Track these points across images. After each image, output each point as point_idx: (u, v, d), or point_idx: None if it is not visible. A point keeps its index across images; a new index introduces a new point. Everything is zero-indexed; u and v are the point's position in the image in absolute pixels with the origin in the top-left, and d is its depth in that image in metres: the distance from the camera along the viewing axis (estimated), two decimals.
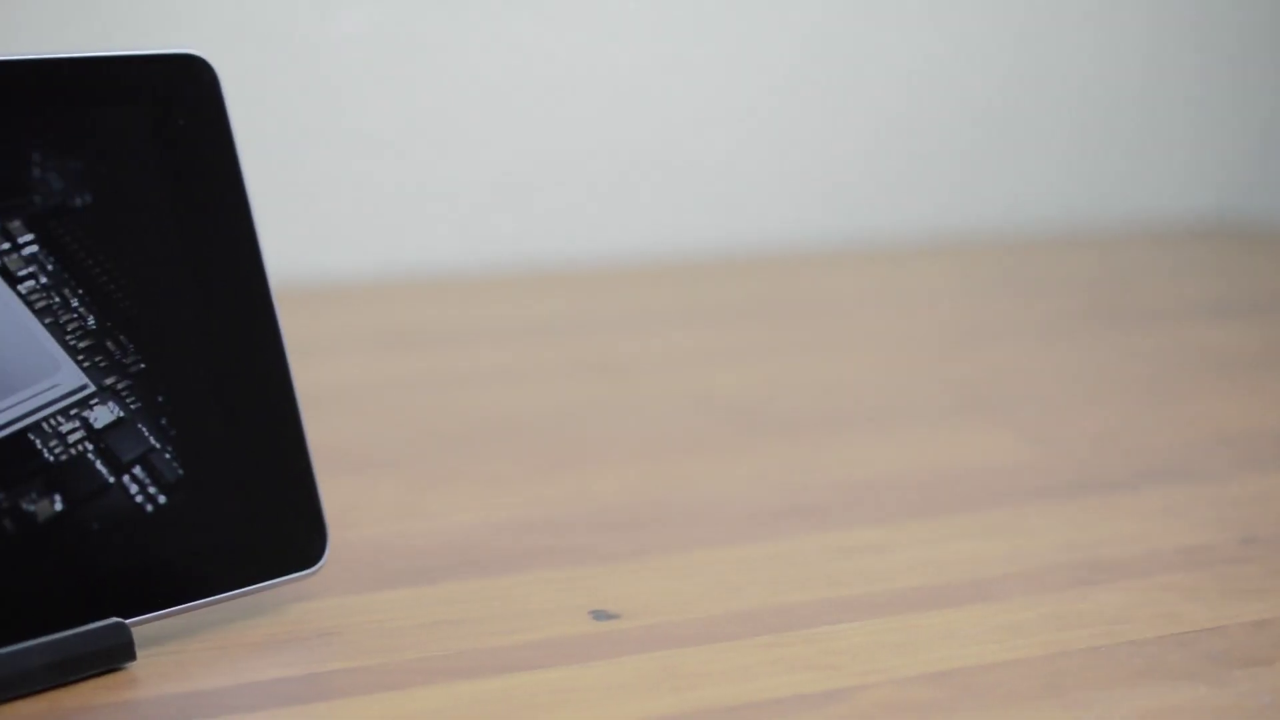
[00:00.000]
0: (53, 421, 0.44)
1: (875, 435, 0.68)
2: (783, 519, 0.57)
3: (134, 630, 0.44)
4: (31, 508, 0.43)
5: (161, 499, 0.45)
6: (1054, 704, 0.42)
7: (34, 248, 0.45)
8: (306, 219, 1.04)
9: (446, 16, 1.07)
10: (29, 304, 0.44)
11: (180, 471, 0.46)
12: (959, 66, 1.19)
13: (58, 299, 0.45)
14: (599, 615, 0.48)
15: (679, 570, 0.52)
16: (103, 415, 0.45)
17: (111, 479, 0.45)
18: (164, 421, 0.46)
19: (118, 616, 0.44)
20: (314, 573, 0.48)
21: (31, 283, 0.44)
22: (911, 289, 1.03)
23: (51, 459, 0.44)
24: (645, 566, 0.52)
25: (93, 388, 0.45)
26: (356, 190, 1.06)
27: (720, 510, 0.58)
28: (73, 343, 0.45)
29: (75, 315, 0.45)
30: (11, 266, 0.44)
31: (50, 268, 0.45)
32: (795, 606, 0.49)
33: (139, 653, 0.44)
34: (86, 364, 0.45)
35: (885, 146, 1.18)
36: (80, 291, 0.45)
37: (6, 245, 0.44)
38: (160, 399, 0.46)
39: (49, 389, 0.44)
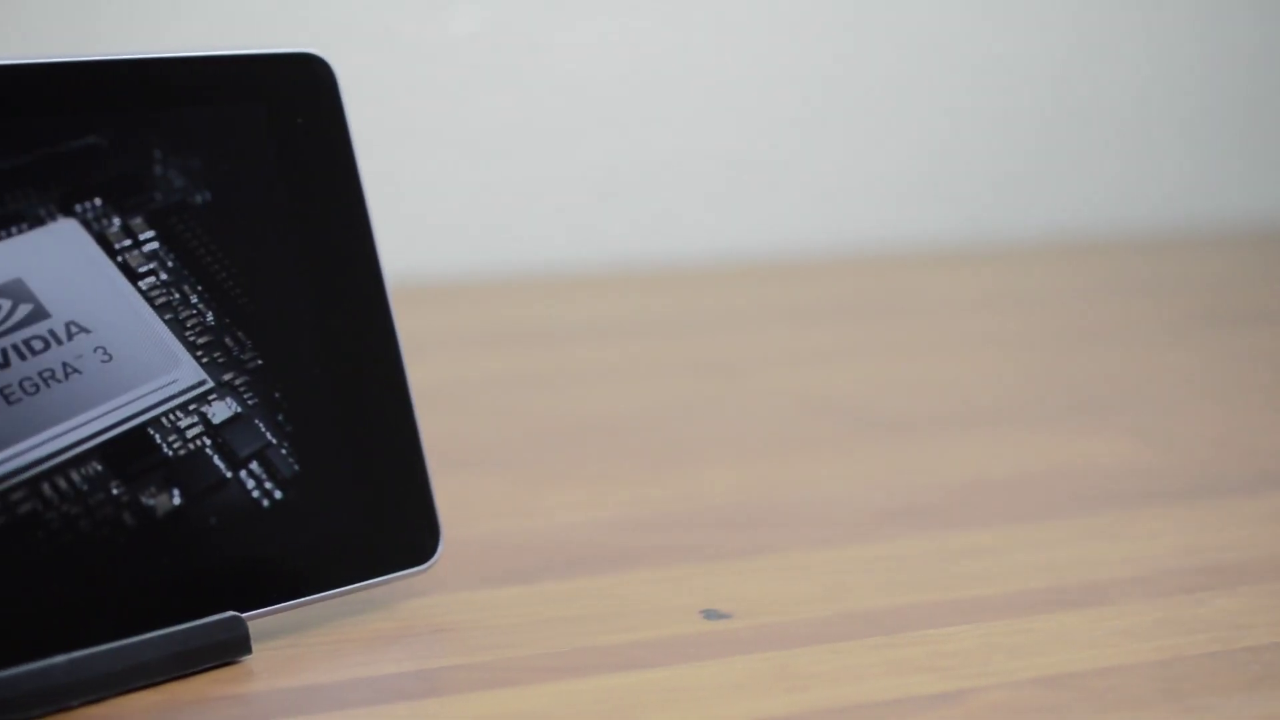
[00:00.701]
0: (172, 416, 0.45)
1: (988, 436, 0.68)
2: (894, 520, 0.57)
3: (249, 624, 0.44)
4: (151, 502, 0.44)
5: (278, 494, 0.46)
6: (1170, 709, 0.42)
7: (155, 244, 0.45)
8: (415, 217, 1.04)
9: (556, 17, 1.07)
10: (149, 300, 0.45)
11: (296, 467, 0.46)
12: (1075, 67, 1.18)
13: (177, 295, 0.45)
14: (710, 614, 0.48)
15: (790, 570, 0.52)
16: (220, 411, 0.45)
17: (229, 474, 0.45)
18: (280, 418, 0.46)
19: (234, 610, 0.44)
20: (427, 569, 0.48)
21: (152, 279, 0.45)
22: (1026, 289, 1.03)
23: (170, 454, 0.44)
24: (756, 566, 0.52)
25: (211, 383, 0.45)
26: (465, 188, 1.06)
27: (830, 510, 0.58)
28: (192, 339, 0.45)
29: (194, 311, 0.45)
30: (133, 263, 0.45)
31: (170, 264, 0.45)
32: (907, 608, 0.48)
33: (254, 646, 0.45)
34: (205, 360, 0.45)
35: (998, 146, 1.17)
36: (199, 288, 0.46)
37: (128, 242, 0.45)
38: (277, 395, 0.46)
39: (168, 384, 0.45)
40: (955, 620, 0.47)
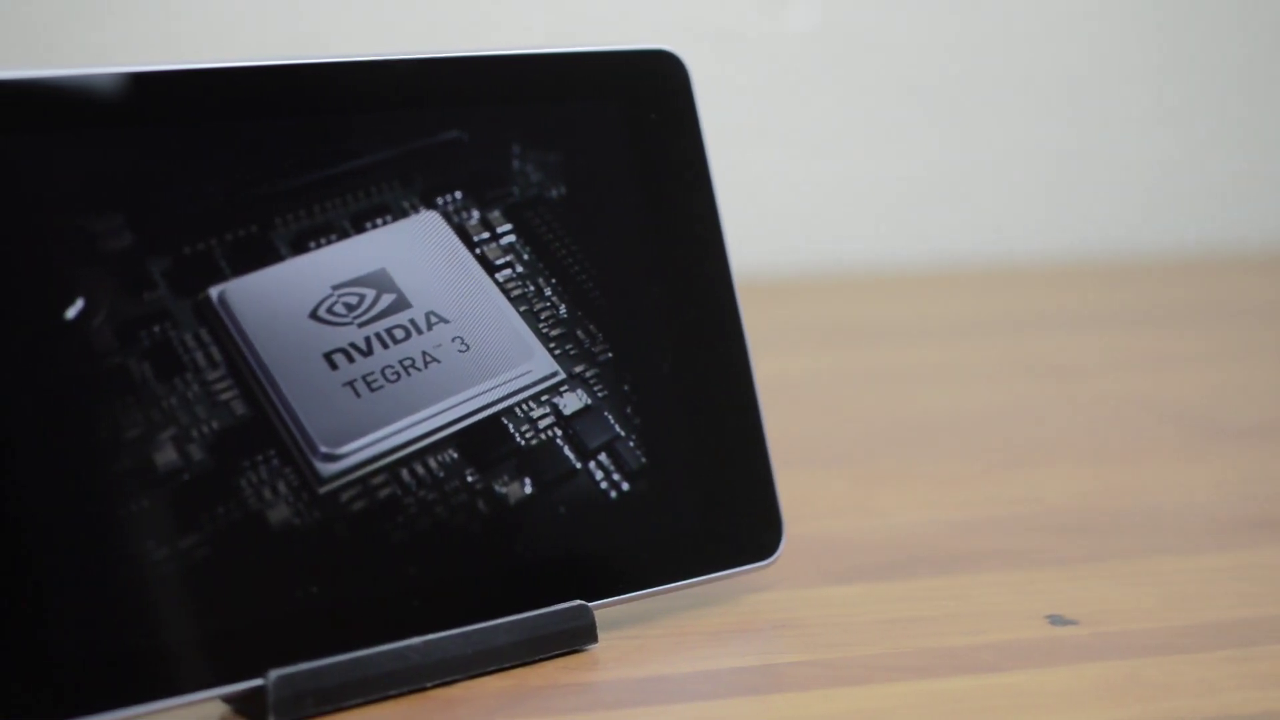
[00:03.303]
0: (525, 407, 0.45)
1: None
2: (1244, 530, 0.55)
3: (595, 613, 0.45)
4: (503, 490, 0.45)
5: (625, 486, 0.46)
6: None
7: (511, 238, 0.46)
8: (753, 213, 1.05)
9: (887, 15, 1.07)
10: (505, 292, 0.46)
11: (643, 460, 0.47)
12: None
13: (532, 288, 0.46)
14: (1056, 620, 0.47)
15: (1136, 577, 0.51)
16: (571, 402, 0.46)
17: (578, 465, 0.46)
18: (629, 410, 0.47)
19: (581, 599, 0.45)
20: (769, 564, 0.48)
21: (509, 271, 0.46)
22: None
23: (523, 443, 0.45)
24: (1102, 572, 0.51)
25: (563, 375, 0.46)
26: (803, 185, 1.07)
27: (1177, 518, 0.57)
28: (545, 330, 0.46)
29: (548, 304, 0.46)
30: (490, 255, 0.46)
31: (526, 257, 0.46)
32: (1262, 620, 0.47)
33: (599, 635, 0.45)
34: (557, 352, 0.46)
35: None
36: (553, 281, 0.46)
37: (486, 235, 0.46)
38: (626, 388, 0.47)
39: (523, 375, 0.46)
40: None
